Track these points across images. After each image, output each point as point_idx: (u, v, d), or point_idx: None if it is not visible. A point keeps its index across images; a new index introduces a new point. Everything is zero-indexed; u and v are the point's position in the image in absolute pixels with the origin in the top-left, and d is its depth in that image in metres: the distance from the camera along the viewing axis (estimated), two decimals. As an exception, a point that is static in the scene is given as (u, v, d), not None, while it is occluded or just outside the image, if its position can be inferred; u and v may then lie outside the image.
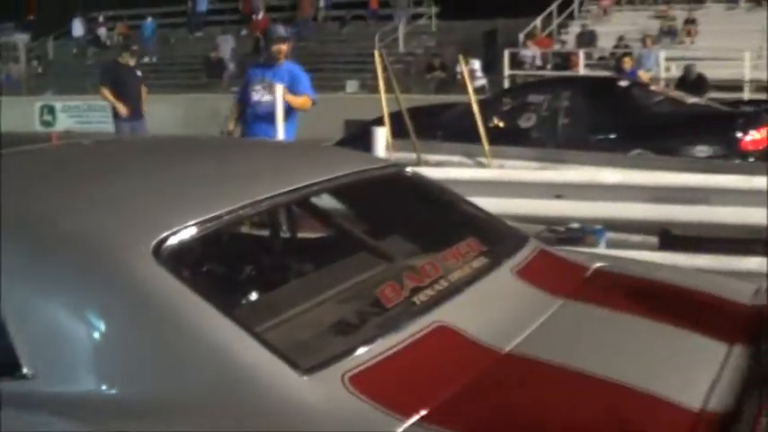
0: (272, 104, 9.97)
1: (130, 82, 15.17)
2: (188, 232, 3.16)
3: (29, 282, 3.14)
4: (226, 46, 32.33)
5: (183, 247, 3.15)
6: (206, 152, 4.54)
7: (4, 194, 3.52)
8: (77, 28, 39.54)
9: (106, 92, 14.97)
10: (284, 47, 10.46)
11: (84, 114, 29.62)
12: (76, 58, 38.94)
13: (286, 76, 10.26)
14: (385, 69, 11.70)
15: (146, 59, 35.02)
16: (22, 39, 41.67)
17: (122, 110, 14.67)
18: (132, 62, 15.77)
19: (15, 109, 31.72)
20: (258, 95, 10.19)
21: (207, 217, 3.24)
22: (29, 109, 31.34)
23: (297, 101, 10.18)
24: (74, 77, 35.01)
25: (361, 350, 2.90)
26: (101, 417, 2.81)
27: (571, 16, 31.09)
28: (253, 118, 10.19)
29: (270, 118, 9.92)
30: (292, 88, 10.16)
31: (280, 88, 9.97)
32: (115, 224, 3.23)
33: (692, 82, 19.81)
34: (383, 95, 11.61)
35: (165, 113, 21.51)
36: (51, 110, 30.83)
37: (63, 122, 29.60)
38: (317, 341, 3.08)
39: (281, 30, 11.37)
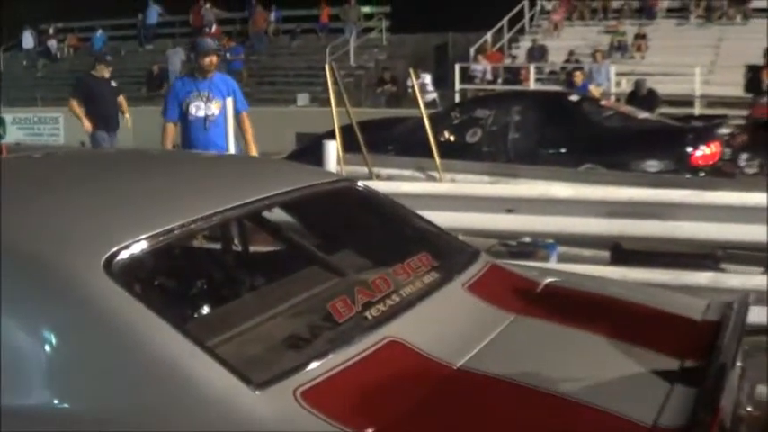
0: (215, 118, 9.90)
1: (106, 94, 15.01)
2: (139, 246, 3.14)
3: None
4: (176, 58, 32.22)
5: (134, 261, 3.14)
6: (157, 166, 4.51)
7: None
8: (27, 40, 39.24)
9: (75, 105, 14.73)
10: (216, 59, 10.37)
11: (35, 127, 29.45)
12: (27, 69, 38.69)
13: (224, 88, 10.18)
14: (336, 83, 11.67)
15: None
16: (-30, 50, 41.35)
17: (87, 125, 14.49)
18: (107, 74, 15.53)
19: (-36, 120, 31.48)
20: (197, 110, 10.00)
21: (158, 231, 3.23)
22: (-23, 121, 31.06)
23: (247, 121, 10.19)
24: (24, 89, 34.81)
25: (314, 365, 2.89)
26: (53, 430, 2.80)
27: (522, 31, 31.24)
28: (196, 133, 10.01)
29: (214, 132, 9.86)
30: (235, 102, 10.12)
31: (229, 101, 9.93)
32: (66, 238, 3.21)
33: (642, 97, 19.92)
34: (334, 109, 11.58)
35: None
36: (1, 122, 30.43)
37: (13, 135, 29.26)
38: (269, 355, 3.07)
39: (211, 42, 11.34)
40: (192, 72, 10.44)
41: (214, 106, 9.92)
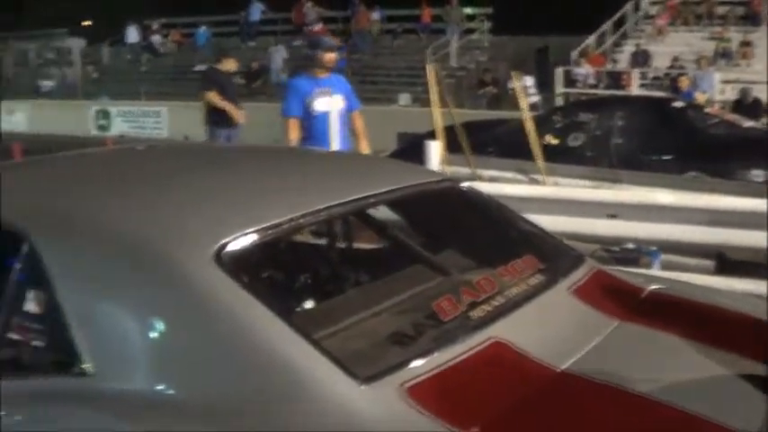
0: (338, 114, 9.94)
1: (231, 89, 14.79)
2: (248, 239, 3.20)
3: (92, 283, 3.21)
4: (277, 56, 32.47)
5: (244, 253, 3.19)
6: (268, 160, 4.58)
7: (72, 199, 3.60)
8: (132, 34, 39.83)
9: (214, 96, 14.28)
10: (336, 56, 10.39)
11: (139, 120, 29.89)
12: (131, 64, 39.28)
13: (342, 87, 10.22)
14: (438, 83, 11.69)
15: (198, 67, 35.30)
16: (77, 44, 42.13)
17: (236, 114, 14.22)
18: (234, 68, 15.44)
19: (71, 112, 32.14)
20: (322, 106, 10.00)
21: (267, 225, 3.28)
22: (84, 113, 31.64)
23: (360, 120, 10.21)
24: (128, 83, 35.36)
25: (418, 362, 2.91)
26: (155, 416, 2.86)
27: (625, 35, 30.86)
28: (323, 128, 9.98)
29: (337, 129, 9.91)
30: (348, 100, 10.14)
31: (340, 100, 9.98)
32: (177, 229, 3.28)
33: (748, 105, 19.60)
34: (436, 109, 11.60)
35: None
36: (106, 114, 31.09)
37: (118, 127, 29.85)
38: (374, 351, 3.09)
39: (332, 40, 11.32)
40: (308, 69, 10.42)
41: (336, 102, 9.95)
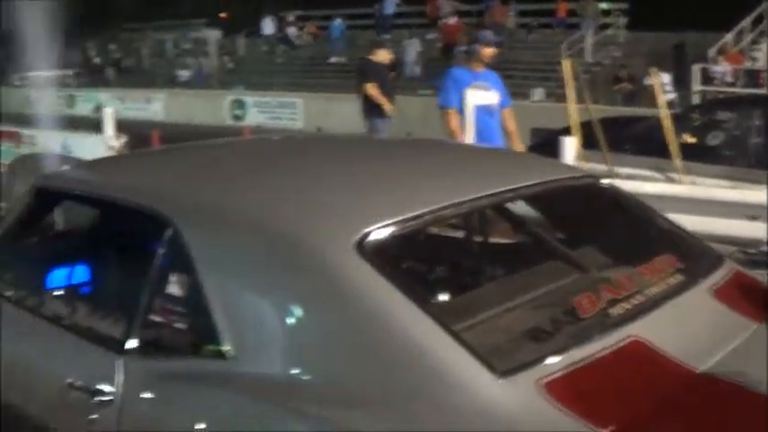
0: (494, 108, 9.95)
1: (385, 81, 14.68)
2: (390, 229, 3.24)
3: (234, 269, 3.29)
4: (411, 49, 32.51)
5: (385, 243, 3.22)
6: (410, 152, 4.62)
7: (216, 187, 3.70)
8: (268, 26, 40.28)
9: (372, 88, 14.20)
10: (493, 51, 10.36)
11: (274, 110, 30.21)
12: (266, 55, 39.74)
13: (496, 82, 10.21)
14: (575, 78, 11.59)
15: (333, 59, 35.57)
16: (213, 35, 42.80)
17: (389, 106, 14.14)
18: (388, 59, 15.31)
19: (207, 102, 32.67)
20: (480, 99, 9.99)
21: (409, 215, 3.31)
22: (220, 103, 32.12)
23: (512, 117, 10.19)
24: (263, 74, 35.81)
25: (556, 358, 2.91)
26: (292, 399, 2.91)
27: (763, 33, 30.05)
28: (483, 120, 9.91)
29: (495, 121, 9.94)
30: (501, 96, 10.14)
31: (494, 95, 9.99)
32: (320, 218, 3.34)
33: None
34: (572, 105, 11.50)
35: (353, 112, 21.72)
36: (242, 104, 31.49)
37: (253, 117, 30.21)
38: (512, 345, 3.09)
39: (492, 34, 11.25)
40: (465, 62, 10.39)
41: (492, 96, 9.96)
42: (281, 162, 4.34)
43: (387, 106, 13.96)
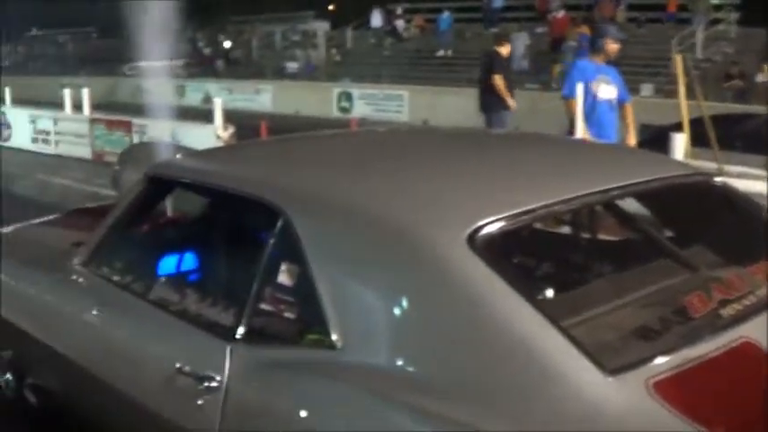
0: (614, 103, 9.92)
1: (509, 74, 14.86)
2: (501, 223, 3.23)
3: (345, 260, 3.31)
4: (519, 43, 32.33)
5: (496, 237, 3.21)
6: (517, 146, 4.60)
7: (327, 178, 3.74)
8: (376, 19, 40.38)
9: (500, 80, 14.39)
10: (618, 47, 10.31)
11: (380, 103, 30.29)
12: (374, 47, 39.86)
13: (617, 77, 10.16)
14: (687, 74, 11.43)
15: (440, 53, 35.54)
16: (321, 27, 43.08)
17: (512, 102, 14.32)
18: (508, 53, 15.31)
19: (314, 94, 32.88)
20: (604, 93, 9.95)
21: (520, 210, 3.30)
22: (327, 95, 32.30)
23: (631, 113, 10.13)
24: (370, 66, 35.93)
25: (666, 357, 2.87)
26: (397, 392, 2.93)
27: None
28: (605, 114, 10.02)
29: (614, 115, 9.95)
30: (621, 91, 10.10)
31: (615, 90, 9.96)
32: (432, 212, 3.35)
33: None
34: (683, 101, 11.34)
35: (459, 106, 21.71)
36: (349, 97, 31.62)
37: (359, 109, 30.31)
38: (621, 343, 3.06)
39: (619, 31, 11.15)
40: (590, 55, 10.34)
41: (613, 90, 9.93)
42: (392, 153, 4.37)
43: (510, 101, 13.92)
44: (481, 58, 16.06)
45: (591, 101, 9.92)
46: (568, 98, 9.99)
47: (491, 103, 14.14)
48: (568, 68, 10.20)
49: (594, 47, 10.26)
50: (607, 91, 9.90)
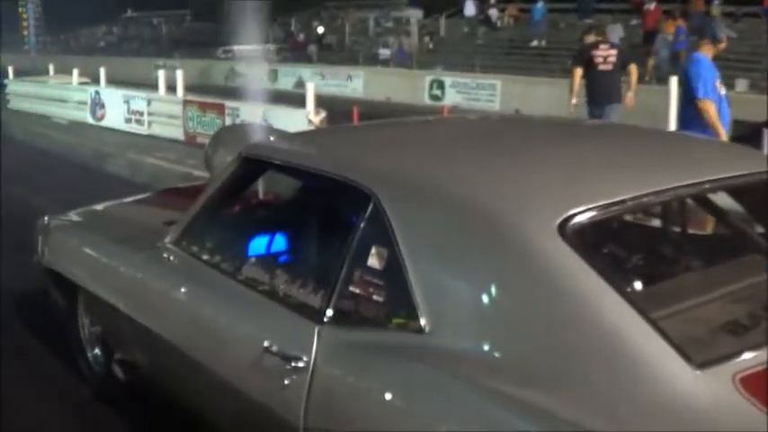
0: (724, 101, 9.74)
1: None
2: (593, 213, 3.23)
3: (435, 245, 3.33)
4: (614, 35, 31.97)
5: (587, 226, 3.22)
6: (613, 137, 4.59)
7: (419, 164, 3.76)
8: (470, 7, 40.27)
9: (577, 73, 13.89)
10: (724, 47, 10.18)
11: (473, 92, 30.17)
12: (467, 36, 39.80)
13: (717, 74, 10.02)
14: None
15: (534, 43, 35.35)
16: (414, 14, 43.11)
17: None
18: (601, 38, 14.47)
19: (406, 81, 32.90)
20: (721, 90, 9.75)
21: (612, 201, 3.29)
22: (418, 82, 32.27)
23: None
24: (463, 55, 35.85)
25: (754, 353, 2.85)
26: (485, 378, 2.95)
27: None
28: (724, 112, 9.59)
29: (726, 114, 9.73)
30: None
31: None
32: (524, 199, 3.36)
33: None
34: (780, 97, 11.18)
35: (552, 97, 21.60)
36: (441, 84, 31.54)
37: (451, 98, 30.23)
38: (709, 337, 3.05)
39: (728, 29, 10.91)
40: (703, 50, 10.11)
41: (723, 87, 9.78)
42: (485, 140, 4.38)
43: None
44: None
45: (717, 99, 9.60)
46: (705, 99, 9.49)
47: (597, 93, 13.77)
48: (691, 66, 9.72)
49: (711, 40, 10.00)
50: (721, 88, 9.72)
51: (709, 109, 9.38)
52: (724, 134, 9.40)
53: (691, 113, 9.58)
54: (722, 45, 9.90)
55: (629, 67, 13.95)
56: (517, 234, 3.17)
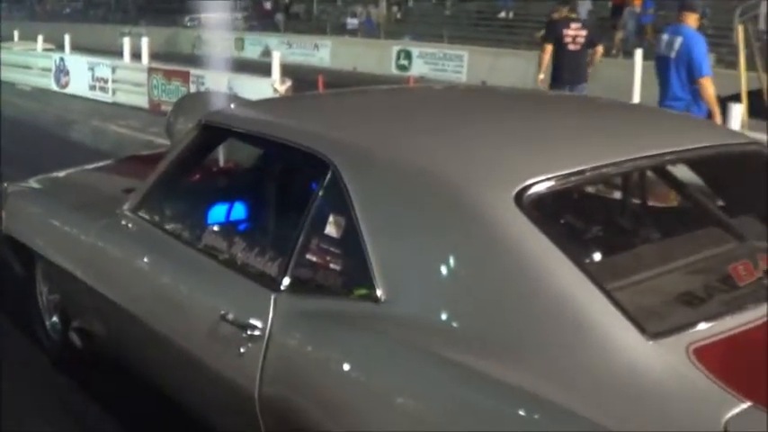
0: None
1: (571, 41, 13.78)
2: (549, 183, 3.22)
3: (392, 215, 3.32)
4: (583, 9, 31.95)
5: (544, 197, 3.21)
6: (571, 108, 4.58)
7: (377, 133, 3.74)
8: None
9: (547, 50, 13.59)
10: None
11: (440, 62, 30.15)
12: (435, 7, 39.75)
13: None
14: (748, 45, 11.29)
15: (502, 14, 35.34)
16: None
17: (540, 77, 13.68)
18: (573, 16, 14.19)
19: (373, 51, 32.85)
20: None
21: (570, 171, 3.28)
22: (386, 52, 32.23)
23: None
24: (431, 26, 35.79)
25: (708, 324, 2.85)
26: (440, 347, 2.95)
27: None
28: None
29: None
30: None
31: None
32: (481, 167, 3.35)
33: None
34: (743, 72, 11.22)
35: (518, 69, 21.64)
36: (408, 55, 31.50)
37: (418, 68, 30.20)
38: (664, 308, 3.05)
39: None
40: (688, 23, 10.02)
41: None
42: (446, 111, 4.36)
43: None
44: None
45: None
46: (708, 76, 9.51)
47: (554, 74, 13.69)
48: (693, 43, 9.54)
49: (696, 14, 9.92)
50: None
51: (710, 86, 9.39)
52: (718, 113, 9.37)
53: (691, 93, 9.55)
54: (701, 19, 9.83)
55: (596, 48, 13.79)
56: (474, 204, 3.15)
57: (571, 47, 13.35)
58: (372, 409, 3.05)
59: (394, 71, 30.92)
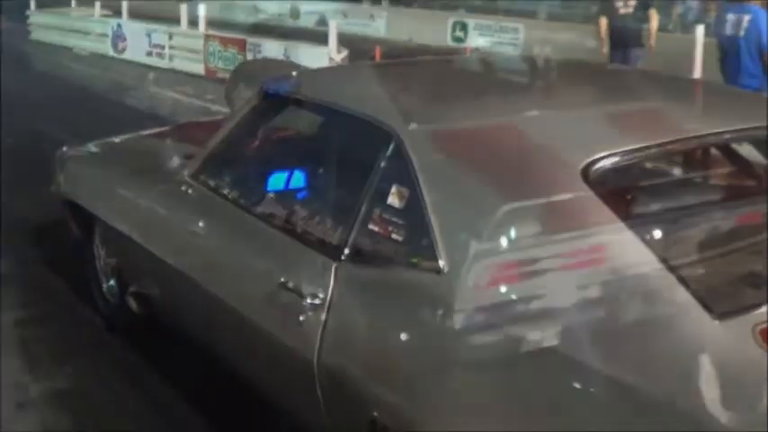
0: None
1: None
2: (616, 158, 3.21)
3: (456, 186, 3.30)
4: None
5: (610, 172, 3.19)
6: (637, 84, 4.53)
7: (444, 103, 3.71)
8: (496, -51, 39.91)
9: (602, 23, 13.69)
10: None
11: (495, 35, 29.98)
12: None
13: None
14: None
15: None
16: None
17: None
18: None
19: (428, 22, 32.66)
20: None
21: (634, 147, 3.25)
22: (441, 23, 32.05)
23: None
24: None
25: None
26: (504, 320, 2.94)
27: None
28: None
29: None
30: None
31: None
32: (548, 142, 3.30)
33: None
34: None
35: (573, 42, 21.47)
36: (464, 27, 31.29)
37: (473, 40, 30.03)
38: (731, 289, 3.03)
39: None
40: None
41: None
42: (511, 82, 4.33)
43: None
44: None
45: None
46: None
47: (623, 37, 13.62)
48: (760, 22, 9.48)
49: None
50: None
51: None
52: None
53: (758, 70, 9.49)
54: None
55: (649, 12, 13.80)
56: (540, 177, 3.14)
57: (622, 10, 13.47)
58: (430, 381, 3.03)
59: (450, 42, 30.77)
